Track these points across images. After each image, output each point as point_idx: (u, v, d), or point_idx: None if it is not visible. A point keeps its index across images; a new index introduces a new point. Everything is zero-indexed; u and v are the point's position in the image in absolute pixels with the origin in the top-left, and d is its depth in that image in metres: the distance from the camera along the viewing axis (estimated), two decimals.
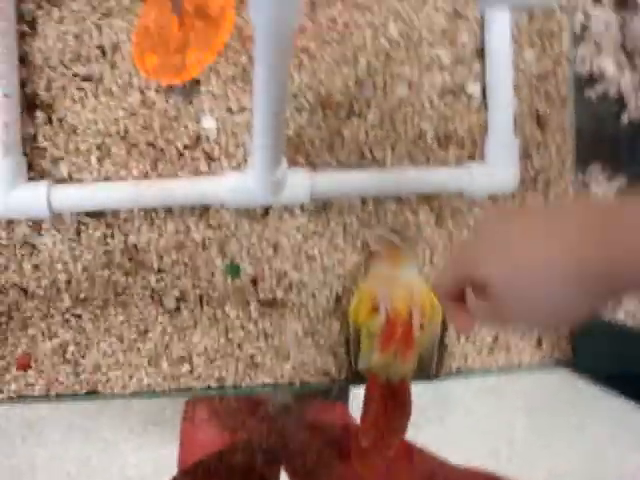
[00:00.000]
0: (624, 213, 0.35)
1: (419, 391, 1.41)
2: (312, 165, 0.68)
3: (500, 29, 0.69)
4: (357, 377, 0.68)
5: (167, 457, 1.04)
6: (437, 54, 0.70)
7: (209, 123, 0.67)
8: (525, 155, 0.72)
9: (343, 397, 1.21)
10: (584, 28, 0.75)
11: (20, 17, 0.65)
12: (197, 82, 0.67)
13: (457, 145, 0.70)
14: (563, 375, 0.75)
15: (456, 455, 1.43)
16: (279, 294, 0.69)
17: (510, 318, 0.42)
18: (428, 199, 0.70)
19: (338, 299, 0.69)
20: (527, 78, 0.72)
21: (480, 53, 0.71)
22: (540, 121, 0.72)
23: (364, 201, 0.69)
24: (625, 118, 0.76)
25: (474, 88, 0.70)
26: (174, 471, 0.92)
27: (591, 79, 0.75)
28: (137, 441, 1.39)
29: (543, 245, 0.37)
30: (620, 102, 0.76)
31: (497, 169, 0.69)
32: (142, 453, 1.39)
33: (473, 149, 0.70)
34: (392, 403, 0.65)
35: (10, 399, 0.69)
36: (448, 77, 0.70)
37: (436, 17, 0.70)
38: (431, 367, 0.68)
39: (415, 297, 0.64)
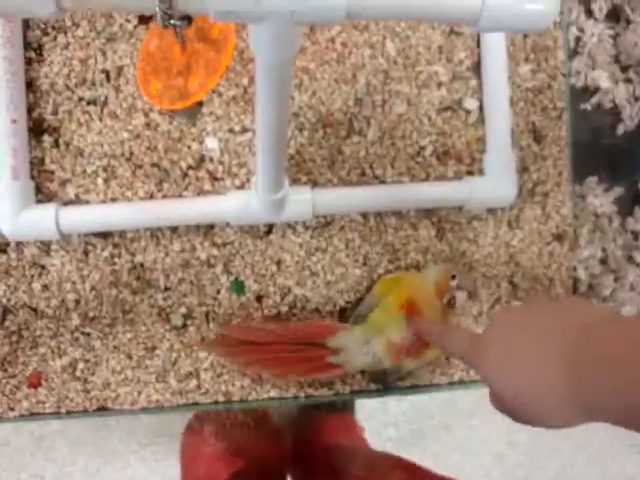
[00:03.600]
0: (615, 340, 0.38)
1: (424, 399, 1.42)
2: (314, 183, 0.69)
3: (496, 45, 0.71)
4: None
5: (175, 468, 1.05)
6: (434, 71, 0.71)
7: (212, 144, 0.68)
8: (523, 168, 0.73)
9: (349, 406, 1.23)
10: (578, 42, 0.76)
11: (27, 44, 0.67)
12: (200, 104, 0.68)
13: (455, 160, 0.71)
14: None
15: (465, 461, 1.44)
16: (283, 309, 0.70)
17: (498, 405, 0.46)
18: (428, 213, 0.71)
19: (341, 312, 0.71)
20: (523, 92, 0.73)
21: (477, 69, 0.72)
22: (537, 134, 0.73)
23: (365, 217, 0.70)
24: (620, 129, 0.77)
25: (471, 103, 0.72)
26: None
27: (586, 92, 0.77)
28: (145, 453, 1.40)
29: (545, 368, 0.40)
30: (615, 114, 0.77)
31: (495, 183, 0.70)
32: (150, 465, 1.40)
33: (471, 164, 0.72)
34: None
35: (22, 417, 0.70)
36: (445, 93, 0.71)
37: (432, 34, 0.71)
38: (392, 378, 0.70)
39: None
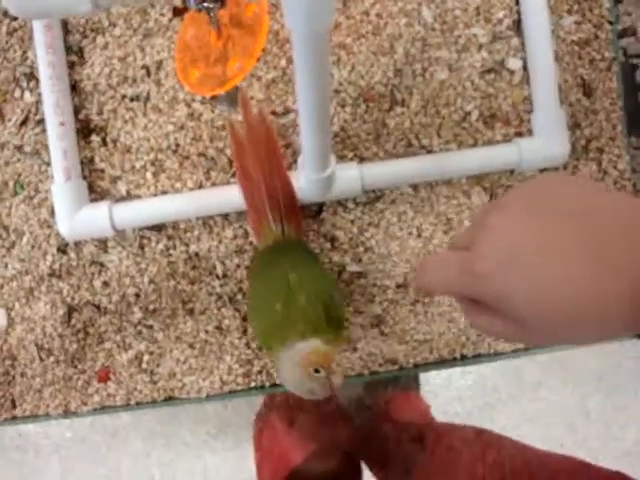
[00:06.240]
0: None
1: (488, 372, 1.40)
2: (360, 158, 0.69)
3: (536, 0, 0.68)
4: None
5: (244, 457, 1.07)
6: (473, 33, 0.69)
7: None
8: (574, 124, 0.71)
9: (414, 384, 1.22)
10: None
11: (68, 48, 0.68)
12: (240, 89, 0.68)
13: (503, 123, 0.70)
14: (634, 343, 0.73)
15: (535, 432, 1.42)
16: (340, 287, 0.70)
17: (533, 338, 0.37)
18: (479, 180, 0.70)
19: (399, 287, 0.70)
20: (568, 46, 0.71)
21: (517, 27, 0.70)
22: (586, 88, 0.71)
23: (415, 188, 0.69)
24: None
25: (515, 63, 0.70)
26: (252, 470, 0.95)
27: (637, 37, 0.73)
28: (215, 443, 1.43)
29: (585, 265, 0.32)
30: None
31: (546, 142, 0.68)
32: (221, 454, 1.43)
33: (519, 125, 0.70)
34: None
35: (94, 410, 0.72)
36: (487, 55, 0.70)
37: None
38: None
39: None
